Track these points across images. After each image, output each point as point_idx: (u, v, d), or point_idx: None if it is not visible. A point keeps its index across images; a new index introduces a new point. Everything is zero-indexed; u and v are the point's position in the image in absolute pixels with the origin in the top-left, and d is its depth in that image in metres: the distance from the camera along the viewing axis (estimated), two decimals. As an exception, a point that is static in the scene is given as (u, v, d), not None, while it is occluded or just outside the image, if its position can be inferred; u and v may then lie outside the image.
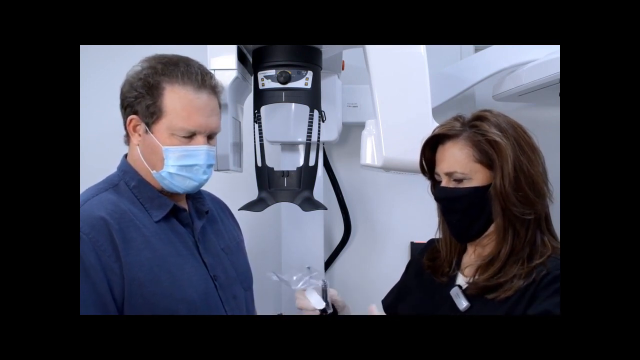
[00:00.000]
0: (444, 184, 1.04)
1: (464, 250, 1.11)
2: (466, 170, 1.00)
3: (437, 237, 1.15)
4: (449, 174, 1.02)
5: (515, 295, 0.95)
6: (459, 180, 1.01)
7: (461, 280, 1.06)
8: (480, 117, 1.02)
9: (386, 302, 1.22)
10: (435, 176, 1.07)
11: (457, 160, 1.01)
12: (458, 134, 1.02)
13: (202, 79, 1.05)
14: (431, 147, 1.07)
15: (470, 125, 1.02)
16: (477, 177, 1.00)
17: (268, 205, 1.19)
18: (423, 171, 1.10)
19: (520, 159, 0.98)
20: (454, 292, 1.03)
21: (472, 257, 1.07)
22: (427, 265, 1.14)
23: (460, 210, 1.02)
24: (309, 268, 1.12)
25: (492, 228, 1.02)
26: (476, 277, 1.02)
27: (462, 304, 1.01)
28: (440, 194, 1.05)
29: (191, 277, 1.06)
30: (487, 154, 0.99)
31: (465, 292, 1.02)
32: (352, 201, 1.80)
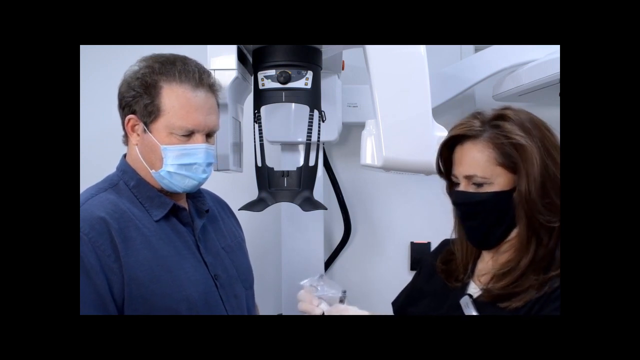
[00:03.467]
0: (462, 187, 0.98)
1: (479, 256, 1.06)
2: (487, 174, 0.94)
3: (452, 237, 1.10)
4: (468, 178, 0.97)
5: (525, 307, 0.90)
6: (479, 185, 0.95)
7: (473, 288, 1.02)
8: (502, 116, 0.96)
9: (396, 304, 1.18)
10: (453, 178, 1.01)
11: (478, 163, 0.95)
12: (478, 135, 0.96)
13: (199, 77, 1.05)
14: (449, 147, 1.01)
15: (491, 125, 0.96)
16: (498, 181, 0.94)
17: (268, 205, 1.19)
18: (440, 172, 1.05)
19: (547, 163, 0.92)
20: (464, 302, 0.98)
21: (488, 263, 1.02)
22: (440, 269, 1.09)
23: (479, 216, 0.97)
24: (322, 275, 1.07)
25: (512, 234, 0.97)
26: (490, 285, 0.96)
27: (471, 313, 0.95)
28: (459, 199, 0.99)
29: (191, 277, 1.06)
30: (510, 158, 0.93)
31: (476, 301, 0.97)
32: (352, 201, 1.80)
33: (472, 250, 1.05)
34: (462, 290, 1.02)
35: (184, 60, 1.06)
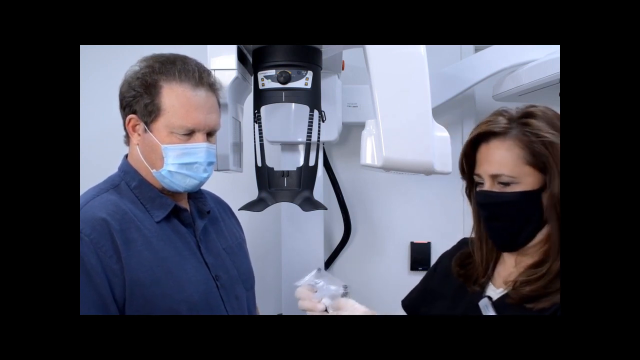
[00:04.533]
0: (487, 187, 0.95)
1: (498, 257, 1.03)
2: (515, 174, 0.91)
3: (470, 237, 1.07)
4: (494, 177, 0.93)
5: (552, 308, 0.87)
6: (505, 184, 0.92)
7: (492, 290, 0.99)
8: (529, 114, 0.93)
9: (406, 302, 1.17)
10: (476, 177, 0.98)
11: (505, 161, 0.92)
12: (505, 132, 0.92)
13: (199, 76, 1.05)
14: (473, 145, 0.98)
15: (519, 123, 0.93)
16: (526, 181, 0.91)
17: (268, 205, 1.19)
18: (462, 171, 1.01)
19: None
20: (483, 304, 0.95)
21: (511, 266, 0.98)
22: (457, 273, 1.05)
23: (506, 217, 0.93)
24: (319, 270, 1.04)
25: (539, 237, 0.94)
26: (517, 286, 0.93)
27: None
28: (484, 199, 0.95)
29: (192, 278, 1.06)
30: (540, 157, 0.90)
31: (495, 303, 0.95)
32: (352, 201, 1.81)
33: (493, 252, 1.02)
34: (480, 293, 1.00)
35: (184, 60, 1.06)
